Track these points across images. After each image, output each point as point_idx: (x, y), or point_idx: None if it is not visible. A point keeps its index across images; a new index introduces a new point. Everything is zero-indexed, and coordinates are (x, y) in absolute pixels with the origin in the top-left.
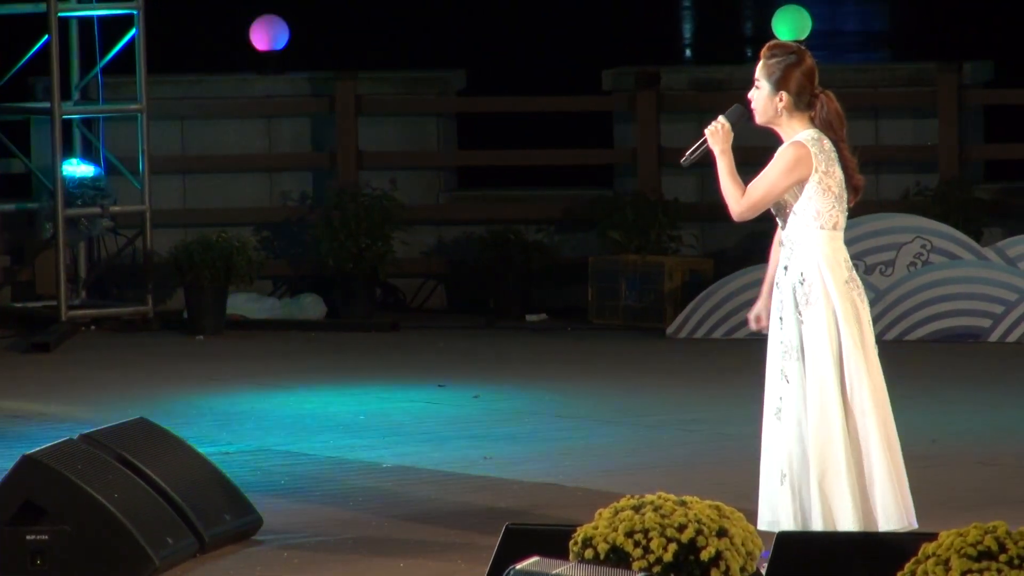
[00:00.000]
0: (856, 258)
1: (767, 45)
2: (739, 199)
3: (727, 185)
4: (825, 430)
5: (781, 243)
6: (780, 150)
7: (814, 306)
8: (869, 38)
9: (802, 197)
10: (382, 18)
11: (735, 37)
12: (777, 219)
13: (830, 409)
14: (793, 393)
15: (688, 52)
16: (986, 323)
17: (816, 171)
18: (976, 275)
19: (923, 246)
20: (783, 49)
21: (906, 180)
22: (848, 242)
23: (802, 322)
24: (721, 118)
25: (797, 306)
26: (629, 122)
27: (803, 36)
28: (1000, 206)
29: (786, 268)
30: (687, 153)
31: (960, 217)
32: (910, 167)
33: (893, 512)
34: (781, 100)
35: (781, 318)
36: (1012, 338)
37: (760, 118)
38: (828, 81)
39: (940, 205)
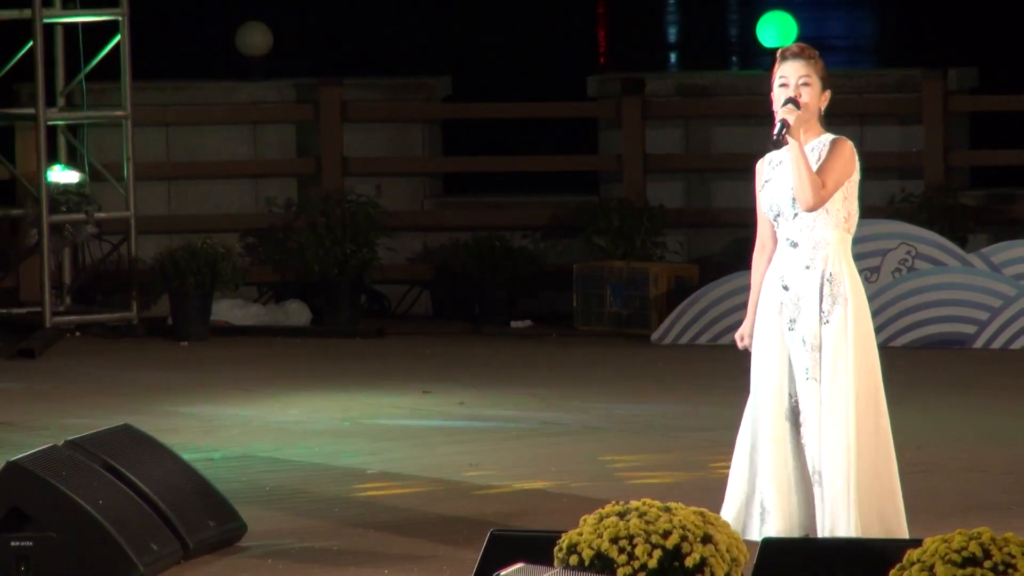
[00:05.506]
0: None
1: (799, 46)
2: (819, 189)
3: (809, 172)
4: (884, 425)
5: (793, 243)
6: (833, 146)
7: (847, 304)
8: (855, 44)
9: (837, 197)
10: (368, 24)
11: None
12: (779, 219)
13: (881, 400)
14: (818, 391)
15: (673, 58)
16: (971, 329)
17: (857, 171)
18: (961, 281)
19: (908, 252)
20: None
21: (891, 186)
22: None
23: (827, 322)
24: (790, 104)
25: (822, 304)
26: (614, 128)
27: (788, 43)
28: (985, 212)
29: (808, 267)
30: (775, 133)
31: (945, 223)
32: (896, 173)
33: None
34: (825, 100)
35: (794, 319)
36: (997, 344)
37: (807, 117)
38: None
39: (925, 211)
